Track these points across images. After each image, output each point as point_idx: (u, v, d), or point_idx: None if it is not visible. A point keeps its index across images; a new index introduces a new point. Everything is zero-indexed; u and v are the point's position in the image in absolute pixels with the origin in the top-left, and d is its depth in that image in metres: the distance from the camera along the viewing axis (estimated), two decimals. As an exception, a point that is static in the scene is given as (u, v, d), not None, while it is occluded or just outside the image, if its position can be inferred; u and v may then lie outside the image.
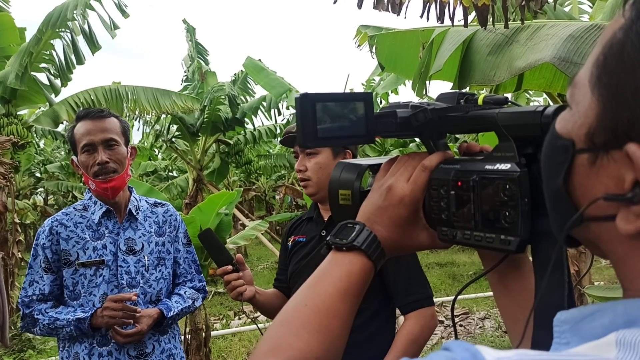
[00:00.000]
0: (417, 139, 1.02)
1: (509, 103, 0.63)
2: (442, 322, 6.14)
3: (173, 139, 9.34)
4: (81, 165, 1.96)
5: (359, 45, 3.34)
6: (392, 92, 9.84)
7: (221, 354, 5.63)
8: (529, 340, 0.53)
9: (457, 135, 8.44)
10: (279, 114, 8.81)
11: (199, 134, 9.12)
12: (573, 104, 0.44)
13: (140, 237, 2.01)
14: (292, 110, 8.89)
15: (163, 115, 8.43)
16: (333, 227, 0.69)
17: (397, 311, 1.83)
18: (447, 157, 0.66)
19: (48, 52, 6.09)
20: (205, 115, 8.64)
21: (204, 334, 4.18)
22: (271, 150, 13.93)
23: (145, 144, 13.62)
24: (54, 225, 1.96)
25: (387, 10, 2.25)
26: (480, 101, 0.65)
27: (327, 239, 0.67)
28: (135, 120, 7.61)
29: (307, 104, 0.63)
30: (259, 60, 8.11)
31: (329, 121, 0.64)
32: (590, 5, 4.45)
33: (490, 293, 3.71)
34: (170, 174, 15.26)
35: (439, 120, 0.66)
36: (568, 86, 0.46)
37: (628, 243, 0.41)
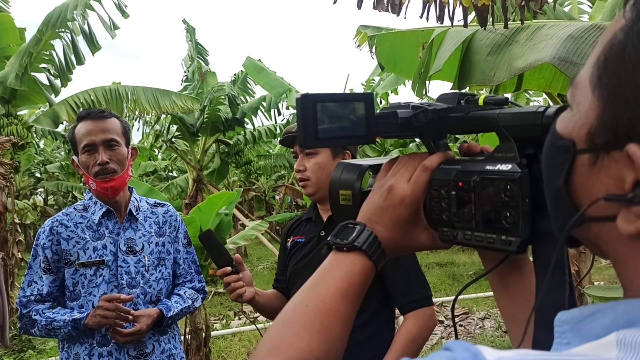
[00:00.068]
0: (417, 140, 1.02)
1: (510, 103, 0.63)
2: (442, 322, 6.14)
3: (173, 139, 9.34)
4: (82, 166, 1.96)
5: (358, 46, 3.34)
6: (392, 92, 9.87)
7: (221, 354, 5.63)
8: (530, 340, 0.53)
9: (458, 136, 8.44)
10: (279, 114, 8.83)
11: (199, 134, 9.13)
12: (574, 104, 0.44)
13: (140, 237, 2.01)
14: (292, 111, 8.91)
15: (163, 116, 8.44)
16: (332, 228, 0.69)
17: (397, 311, 1.83)
18: (448, 158, 0.66)
19: (48, 53, 6.10)
20: (205, 116, 8.64)
21: (203, 334, 4.18)
22: (271, 151, 13.93)
23: (145, 144, 13.63)
24: (54, 225, 1.96)
25: (387, 10, 2.25)
26: (480, 102, 0.65)
27: (328, 239, 0.67)
28: (135, 120, 7.62)
29: (308, 104, 0.63)
30: (259, 60, 8.12)
31: (329, 121, 0.64)
32: (590, 5, 4.46)
33: (490, 293, 3.72)
34: (170, 174, 15.27)
35: (440, 120, 0.66)
36: (568, 87, 0.46)
37: (629, 243, 0.41)
